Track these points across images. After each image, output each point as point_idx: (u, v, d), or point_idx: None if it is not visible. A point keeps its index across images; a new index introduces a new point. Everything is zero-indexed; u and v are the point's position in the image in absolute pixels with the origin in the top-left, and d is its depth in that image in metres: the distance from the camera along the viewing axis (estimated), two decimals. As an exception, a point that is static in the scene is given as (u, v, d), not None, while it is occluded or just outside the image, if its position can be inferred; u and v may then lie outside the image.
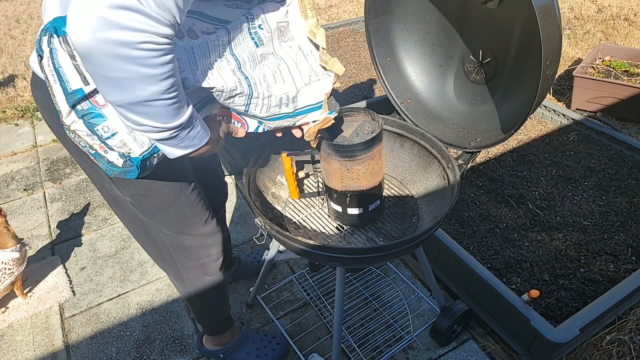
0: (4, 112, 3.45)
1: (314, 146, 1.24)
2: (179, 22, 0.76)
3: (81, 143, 0.92)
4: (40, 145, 3.07)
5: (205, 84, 0.93)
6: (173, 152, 0.94)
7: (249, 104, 1.03)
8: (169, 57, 0.76)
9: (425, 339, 1.70)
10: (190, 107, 0.88)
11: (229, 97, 0.99)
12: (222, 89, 0.96)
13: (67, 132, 0.92)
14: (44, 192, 2.62)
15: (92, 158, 0.95)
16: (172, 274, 1.35)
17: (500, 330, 1.67)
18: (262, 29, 1.01)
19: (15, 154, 3.01)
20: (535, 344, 1.53)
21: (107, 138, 0.89)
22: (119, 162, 0.93)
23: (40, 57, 0.86)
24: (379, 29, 1.54)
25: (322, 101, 1.11)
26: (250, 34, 1.00)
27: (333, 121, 1.16)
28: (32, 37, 4.85)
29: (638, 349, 1.57)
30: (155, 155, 0.96)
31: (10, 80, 3.93)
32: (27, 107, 3.49)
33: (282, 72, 1.04)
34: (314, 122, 1.16)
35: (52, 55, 0.85)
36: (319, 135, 1.20)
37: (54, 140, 3.11)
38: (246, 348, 1.59)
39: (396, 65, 1.60)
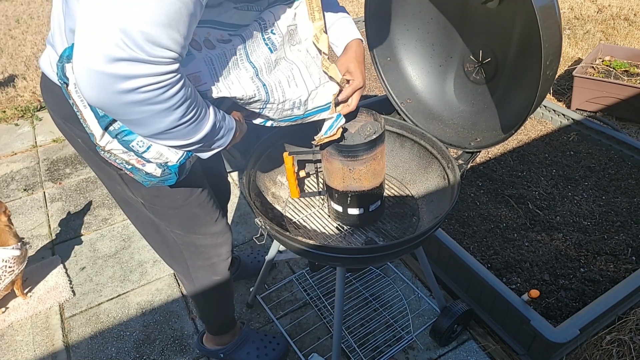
0: (4, 112, 3.45)
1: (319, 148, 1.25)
2: (182, 55, 0.75)
3: (117, 161, 0.95)
4: (40, 145, 3.07)
5: (226, 94, 0.94)
6: (207, 154, 0.97)
7: (264, 108, 1.04)
8: (177, 86, 0.77)
9: (425, 339, 1.70)
10: (212, 114, 0.89)
11: (246, 104, 1.00)
12: (242, 97, 0.97)
13: (102, 152, 0.94)
14: (44, 192, 2.62)
15: (129, 172, 0.97)
16: (182, 272, 1.36)
17: (500, 330, 1.67)
18: (274, 34, 1.02)
19: (15, 154, 3.01)
20: (535, 344, 1.53)
21: (144, 152, 0.91)
22: (158, 172, 0.95)
23: (66, 84, 0.88)
24: (379, 29, 1.54)
25: (330, 102, 1.11)
26: (264, 39, 1.00)
27: (342, 130, 1.16)
28: (32, 37, 4.85)
29: (638, 349, 1.57)
30: (189, 159, 0.98)
31: (10, 80, 3.93)
32: (27, 107, 3.49)
33: (295, 77, 1.05)
34: (325, 135, 1.16)
35: None
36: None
37: (54, 140, 3.11)
38: (246, 348, 1.59)
39: (396, 65, 1.60)
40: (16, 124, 3.36)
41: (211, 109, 0.89)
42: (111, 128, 0.89)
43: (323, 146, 1.23)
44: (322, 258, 1.19)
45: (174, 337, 1.77)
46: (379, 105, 1.74)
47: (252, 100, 0.99)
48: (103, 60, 0.67)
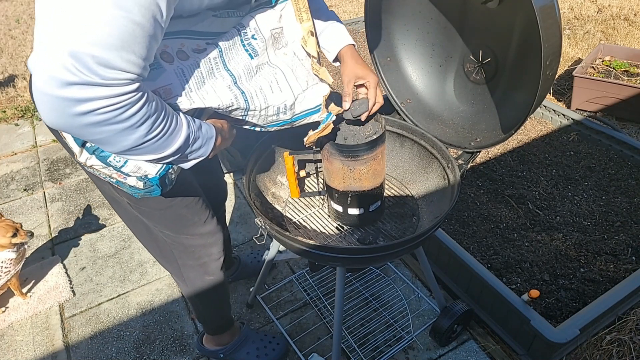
0: (4, 112, 3.45)
1: (315, 147, 1.24)
2: (142, 75, 0.74)
3: (101, 175, 0.94)
4: (40, 145, 3.07)
5: (200, 105, 0.92)
6: (187, 164, 0.95)
7: (246, 115, 1.02)
8: (137, 105, 0.75)
9: (425, 339, 1.70)
10: (185, 126, 0.87)
11: (226, 112, 0.99)
12: (218, 107, 0.95)
13: (86, 168, 0.93)
14: (44, 192, 2.62)
15: (116, 186, 0.97)
16: (174, 272, 1.36)
17: (500, 330, 1.67)
18: (255, 39, 0.98)
19: (15, 154, 3.01)
20: (535, 344, 1.53)
21: (122, 166, 0.90)
22: (140, 184, 0.94)
23: None
24: (379, 29, 1.54)
25: (320, 104, 1.09)
26: (244, 46, 0.97)
27: (332, 126, 1.14)
28: (32, 37, 4.85)
29: (638, 349, 1.57)
30: (171, 170, 0.96)
31: (10, 80, 3.93)
32: (27, 107, 3.49)
33: (279, 81, 1.02)
34: (314, 131, 1.14)
35: None
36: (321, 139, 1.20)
37: (54, 140, 3.11)
38: (246, 348, 1.59)
39: (396, 65, 1.60)
40: (16, 124, 3.36)
41: (184, 120, 0.87)
42: (88, 144, 0.88)
43: (321, 143, 1.22)
44: (322, 258, 1.19)
45: (174, 337, 1.77)
46: (379, 105, 1.74)
47: (230, 109, 0.96)
48: (55, 85, 0.66)
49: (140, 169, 0.91)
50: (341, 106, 1.18)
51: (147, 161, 0.88)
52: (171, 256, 1.29)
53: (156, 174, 0.93)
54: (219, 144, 0.99)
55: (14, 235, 1.77)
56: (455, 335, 1.68)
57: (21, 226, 1.82)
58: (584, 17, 4.50)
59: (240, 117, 1.02)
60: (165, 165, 0.93)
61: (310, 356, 1.62)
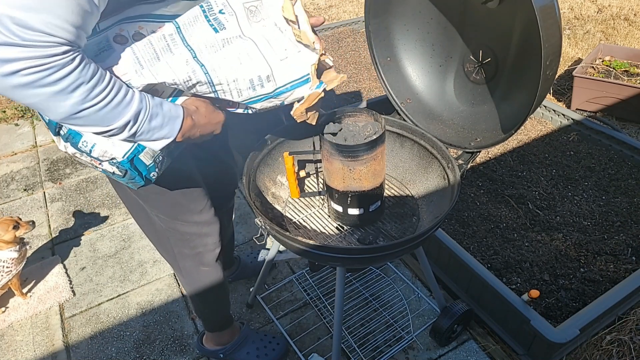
0: (4, 112, 3.45)
1: (314, 123, 1.15)
2: (71, 41, 0.74)
3: (87, 164, 0.94)
4: (40, 145, 3.07)
5: (152, 80, 0.90)
6: (152, 145, 0.93)
7: (215, 90, 0.98)
8: (66, 69, 0.75)
9: (425, 339, 1.70)
10: (136, 101, 0.87)
11: (190, 87, 0.96)
12: (173, 82, 0.92)
13: (73, 157, 0.94)
14: (44, 192, 2.62)
15: (108, 176, 0.97)
16: (170, 261, 1.37)
17: (500, 330, 1.67)
18: (223, 13, 0.96)
19: (15, 154, 3.01)
20: (535, 344, 1.53)
21: (91, 151, 0.90)
22: (115, 170, 0.93)
23: None
24: (379, 29, 1.54)
25: (309, 74, 1.01)
26: (209, 20, 0.95)
27: (322, 95, 1.05)
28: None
29: (638, 349, 1.57)
30: (142, 155, 0.95)
31: (10, 80, 3.93)
32: (27, 107, 3.49)
33: (250, 53, 0.97)
34: (299, 101, 1.06)
35: None
36: (314, 112, 1.11)
37: (54, 140, 3.10)
38: (246, 348, 1.59)
39: (396, 65, 1.60)
40: (16, 124, 3.36)
41: (137, 94, 0.87)
42: (61, 132, 0.88)
43: (322, 123, 1.16)
44: (322, 258, 1.19)
45: (174, 337, 1.78)
46: (379, 105, 1.74)
47: (190, 83, 0.94)
48: None
49: (107, 152, 0.91)
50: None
51: (98, 133, 0.86)
52: (167, 243, 1.30)
53: (123, 157, 0.92)
54: (190, 126, 0.96)
55: (16, 227, 1.78)
56: (455, 335, 1.68)
57: (20, 219, 1.82)
58: (584, 17, 4.50)
59: (210, 93, 0.99)
60: (133, 149, 0.92)
61: (310, 356, 1.62)
